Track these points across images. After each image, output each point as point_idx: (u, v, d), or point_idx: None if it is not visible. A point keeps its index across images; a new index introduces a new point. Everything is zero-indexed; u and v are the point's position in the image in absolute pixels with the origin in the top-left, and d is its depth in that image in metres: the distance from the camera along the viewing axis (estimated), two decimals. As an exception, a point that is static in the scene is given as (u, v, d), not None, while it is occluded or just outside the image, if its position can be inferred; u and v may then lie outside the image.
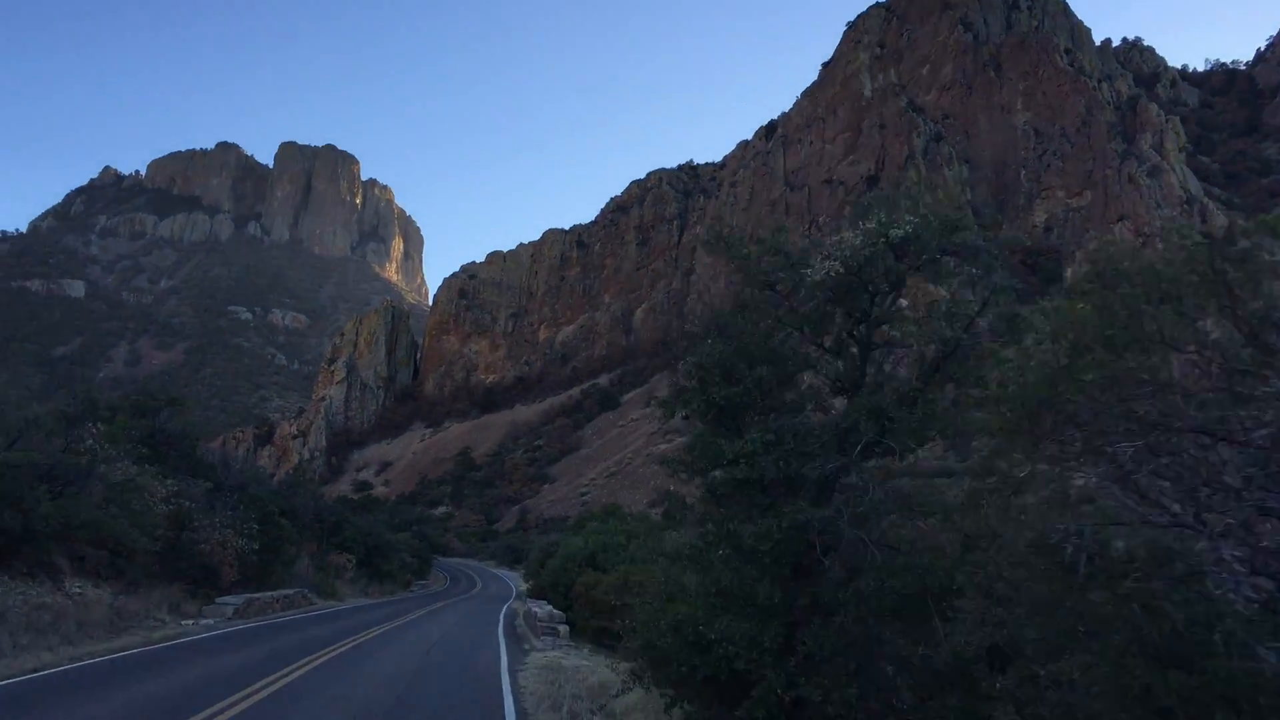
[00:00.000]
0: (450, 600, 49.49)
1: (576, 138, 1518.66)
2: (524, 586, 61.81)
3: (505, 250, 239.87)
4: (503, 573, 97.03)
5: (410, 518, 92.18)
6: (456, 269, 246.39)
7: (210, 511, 29.53)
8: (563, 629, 28.67)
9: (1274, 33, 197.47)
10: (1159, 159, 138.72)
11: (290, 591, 33.40)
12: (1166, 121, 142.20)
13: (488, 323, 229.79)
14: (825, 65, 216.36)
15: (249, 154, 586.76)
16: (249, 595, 28.70)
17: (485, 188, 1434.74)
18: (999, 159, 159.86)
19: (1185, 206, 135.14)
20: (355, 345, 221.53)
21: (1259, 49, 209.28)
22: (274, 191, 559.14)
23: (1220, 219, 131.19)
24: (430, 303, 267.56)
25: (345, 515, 56.60)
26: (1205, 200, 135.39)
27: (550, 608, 31.86)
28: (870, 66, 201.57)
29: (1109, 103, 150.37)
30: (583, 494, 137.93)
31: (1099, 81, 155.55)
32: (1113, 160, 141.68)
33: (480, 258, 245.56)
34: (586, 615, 31.59)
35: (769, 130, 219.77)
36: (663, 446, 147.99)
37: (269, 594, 30.85)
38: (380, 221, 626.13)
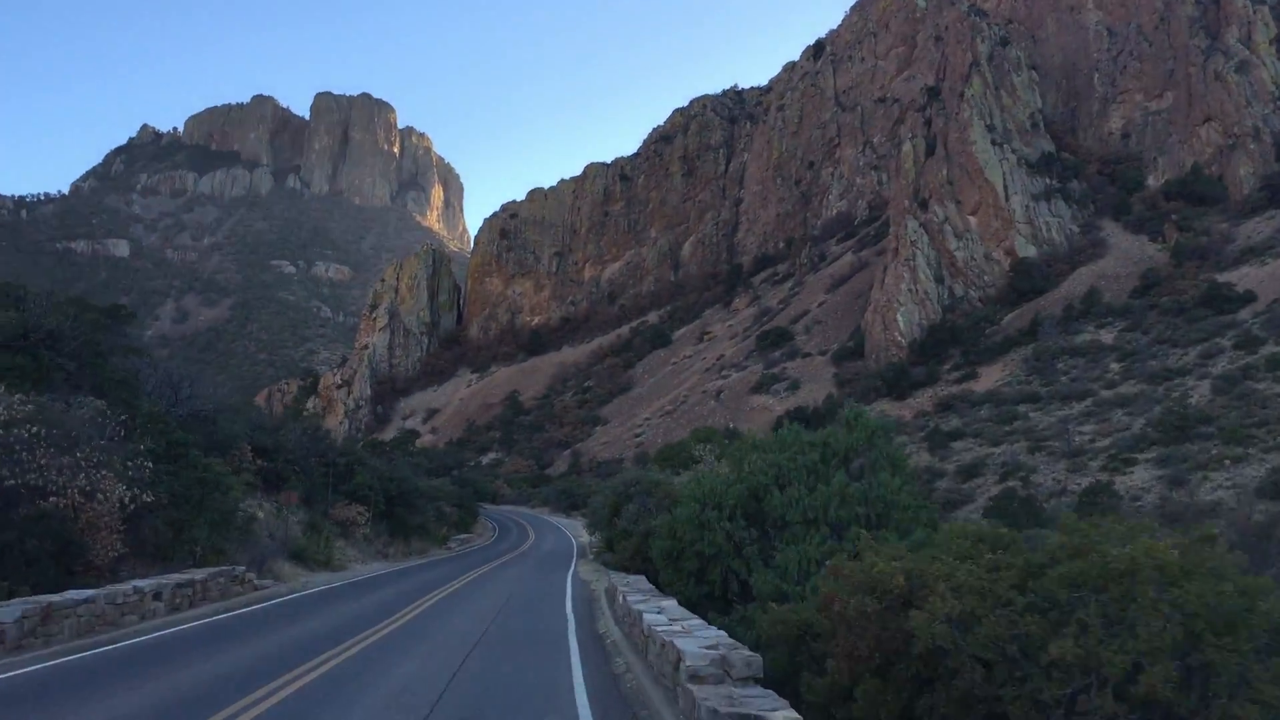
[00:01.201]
0: (493, 564, 40.54)
1: (616, 66, 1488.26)
2: (586, 539, 54.27)
3: (546, 188, 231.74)
4: (558, 520, 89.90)
5: (450, 461, 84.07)
6: (497, 209, 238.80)
7: (71, 447, 18.70)
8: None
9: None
10: (1247, 53, 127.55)
11: (199, 575, 21.03)
12: (1255, 11, 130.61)
13: (531, 263, 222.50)
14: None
15: (285, 106, 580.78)
16: (51, 598, 15.98)
17: (524, 125, 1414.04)
18: (1069, 64, 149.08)
19: (1278, 103, 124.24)
20: (396, 291, 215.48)
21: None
22: (311, 143, 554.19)
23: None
24: (471, 249, 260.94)
25: (359, 457, 47.39)
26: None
27: (686, 614, 15.72)
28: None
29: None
30: (637, 435, 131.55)
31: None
32: (1196, 57, 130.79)
33: (521, 197, 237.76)
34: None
35: (817, 49, 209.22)
36: (718, 382, 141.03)
37: (130, 587, 17.99)
38: (419, 170, 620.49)
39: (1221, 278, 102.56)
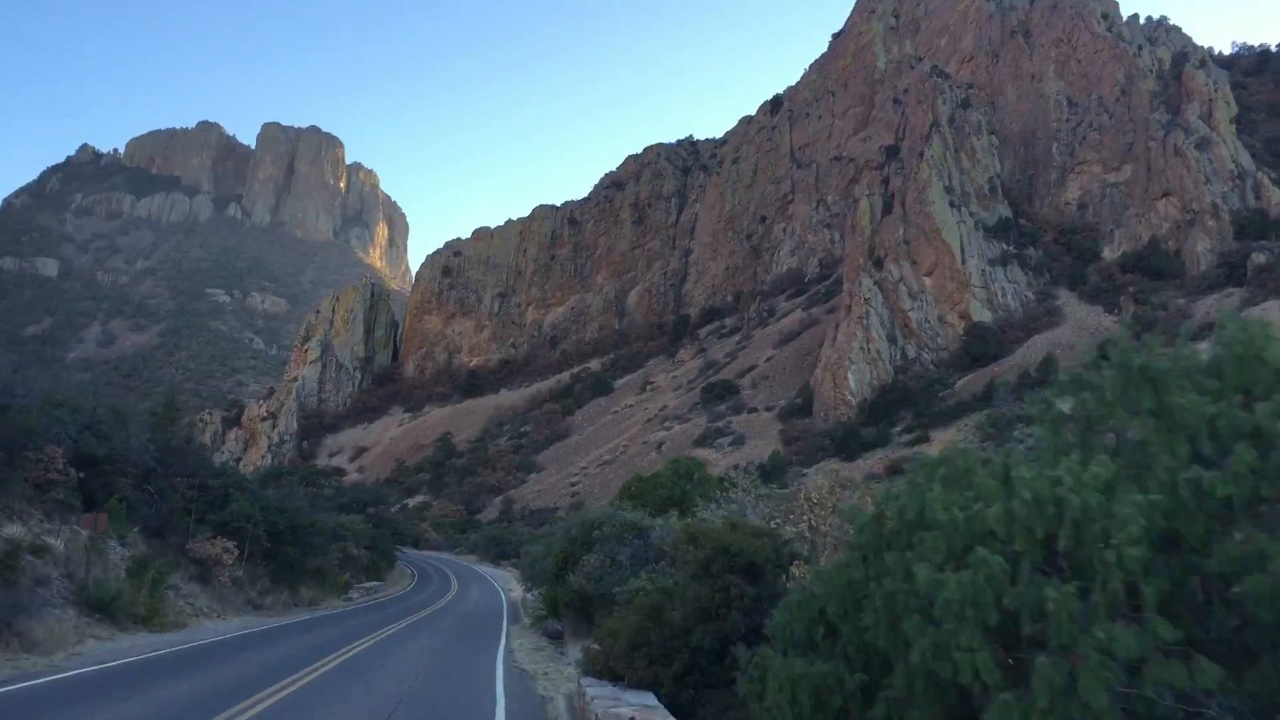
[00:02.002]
0: (398, 625, 32.54)
1: (570, 111, 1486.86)
2: (520, 594, 47.27)
3: (493, 227, 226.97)
4: (486, 570, 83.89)
5: (368, 498, 76.26)
6: (441, 246, 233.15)
7: None
8: None
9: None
10: (1208, 130, 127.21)
11: None
12: (1215, 90, 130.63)
13: (472, 303, 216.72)
14: (835, 36, 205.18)
15: (230, 134, 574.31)
16: None
17: (474, 165, 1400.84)
18: (1028, 132, 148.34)
19: (1237, 181, 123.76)
20: (331, 323, 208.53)
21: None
22: (255, 173, 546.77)
23: (1277, 195, 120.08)
24: (412, 285, 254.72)
25: (238, 480, 39.52)
26: (1259, 175, 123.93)
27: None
28: (884, 37, 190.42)
29: (1150, 71, 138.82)
30: (573, 484, 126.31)
31: (1138, 48, 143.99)
32: (1156, 132, 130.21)
33: (467, 236, 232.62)
34: None
35: (774, 105, 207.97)
36: (660, 433, 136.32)
37: None
38: (364, 206, 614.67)
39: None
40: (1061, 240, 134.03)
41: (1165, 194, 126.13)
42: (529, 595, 41.20)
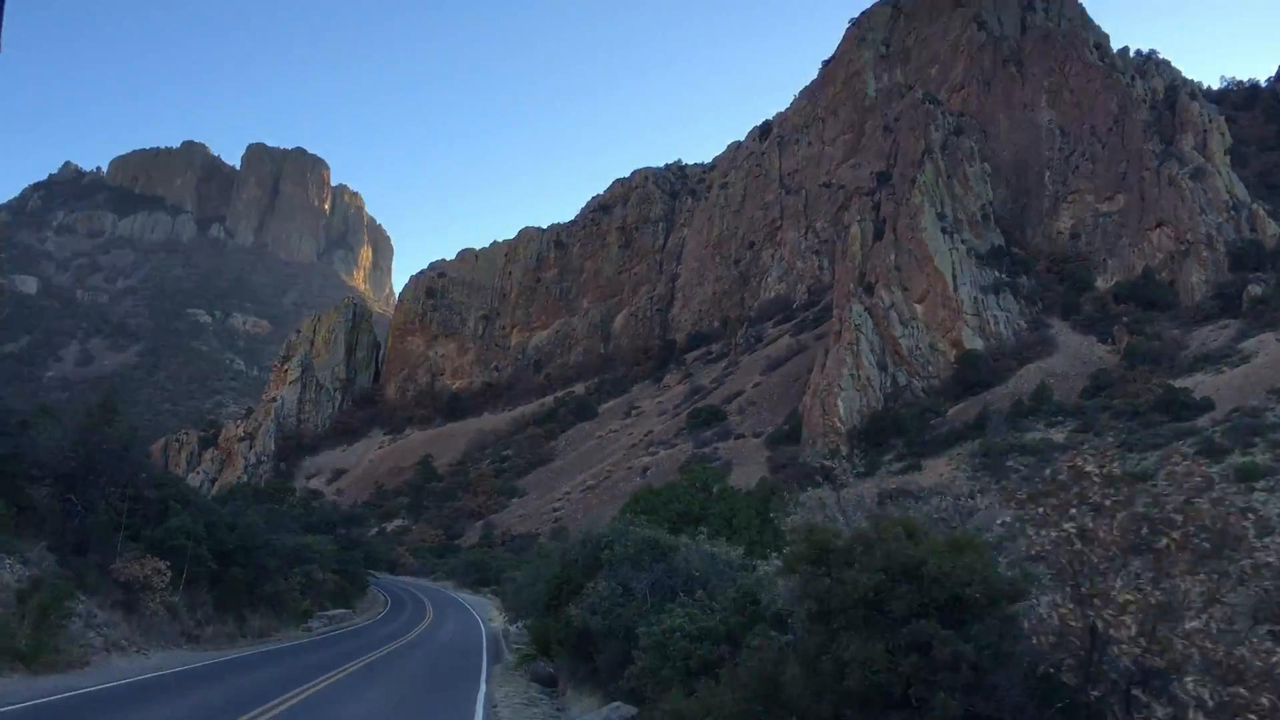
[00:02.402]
0: (357, 664, 28.02)
1: (558, 133, 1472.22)
2: (501, 624, 43.95)
3: (478, 249, 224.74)
4: (465, 597, 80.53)
5: (335, 518, 71.61)
6: (425, 268, 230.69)
7: None
8: None
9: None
10: (1202, 160, 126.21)
11: None
12: (1210, 121, 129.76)
13: (456, 325, 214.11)
14: (826, 64, 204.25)
15: (215, 154, 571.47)
16: None
17: (460, 187, 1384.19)
18: (1019, 160, 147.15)
19: (1232, 213, 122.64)
20: (312, 344, 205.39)
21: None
22: (240, 193, 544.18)
23: (1272, 227, 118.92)
24: (395, 306, 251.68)
25: (180, 491, 34.36)
26: (1254, 206, 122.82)
27: None
28: (874, 65, 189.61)
29: (1143, 101, 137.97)
30: (556, 509, 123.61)
31: (1131, 78, 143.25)
32: (1150, 162, 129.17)
33: (452, 257, 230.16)
34: None
35: (764, 131, 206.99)
36: (645, 458, 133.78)
37: None
38: (349, 229, 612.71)
39: (1176, 384, 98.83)
40: (1054, 269, 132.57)
41: (1159, 224, 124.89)
42: (513, 628, 37.91)
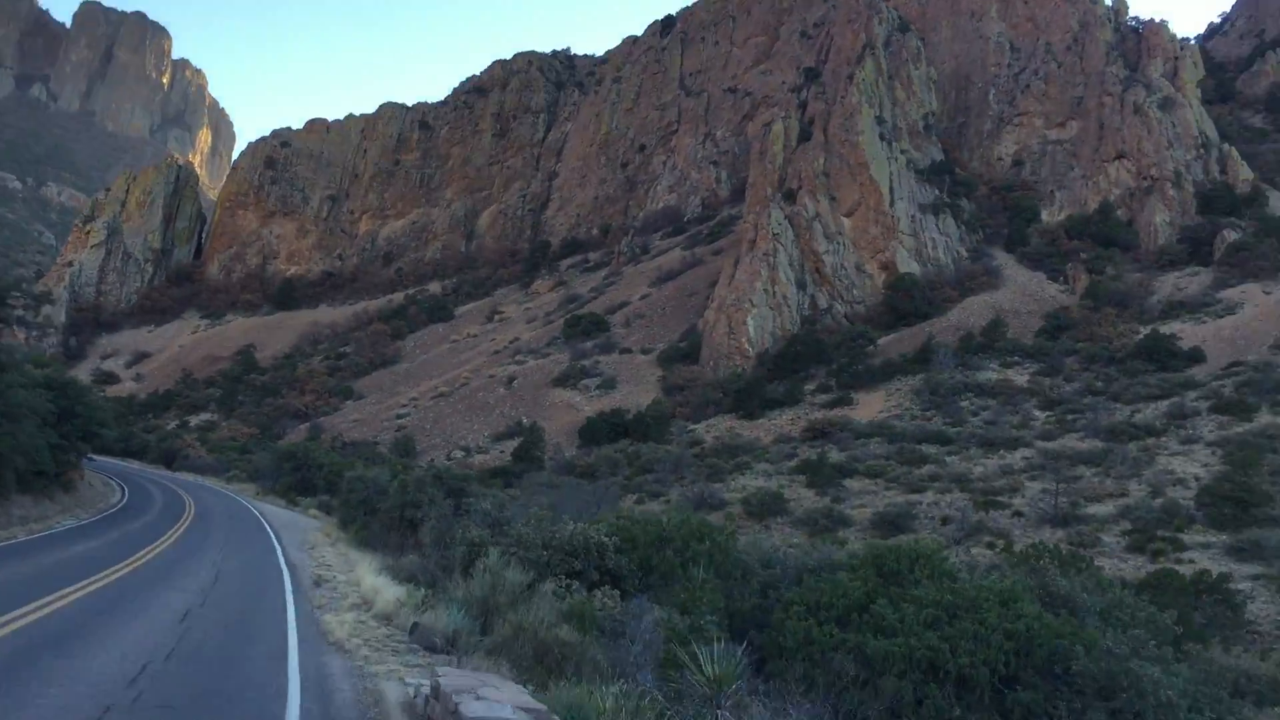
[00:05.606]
0: None
1: (432, 1, 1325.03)
2: (338, 575, 22.48)
3: (330, 120, 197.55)
4: (271, 510, 50.65)
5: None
6: (267, 134, 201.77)
7: None
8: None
9: (1226, 9, 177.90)
10: (1172, 90, 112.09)
11: None
12: (1183, 49, 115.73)
13: (297, 203, 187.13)
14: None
15: (43, 8, 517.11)
16: None
17: (317, 60, 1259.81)
18: (961, 75, 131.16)
19: (1201, 151, 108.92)
20: (124, 205, 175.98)
21: (1211, 23, 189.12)
22: (68, 54, 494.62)
23: (1245, 171, 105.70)
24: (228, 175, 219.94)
25: None
26: (1227, 147, 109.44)
27: None
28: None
29: (1108, 21, 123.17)
30: (400, 415, 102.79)
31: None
32: (1113, 87, 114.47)
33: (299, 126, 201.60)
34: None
35: (666, 25, 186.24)
36: (511, 367, 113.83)
37: None
38: (188, 107, 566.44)
39: (1153, 331, 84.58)
40: (994, 197, 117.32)
41: (1119, 156, 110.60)
42: (374, 580, 17.82)
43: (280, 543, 30.98)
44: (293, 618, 16.71)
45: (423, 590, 14.88)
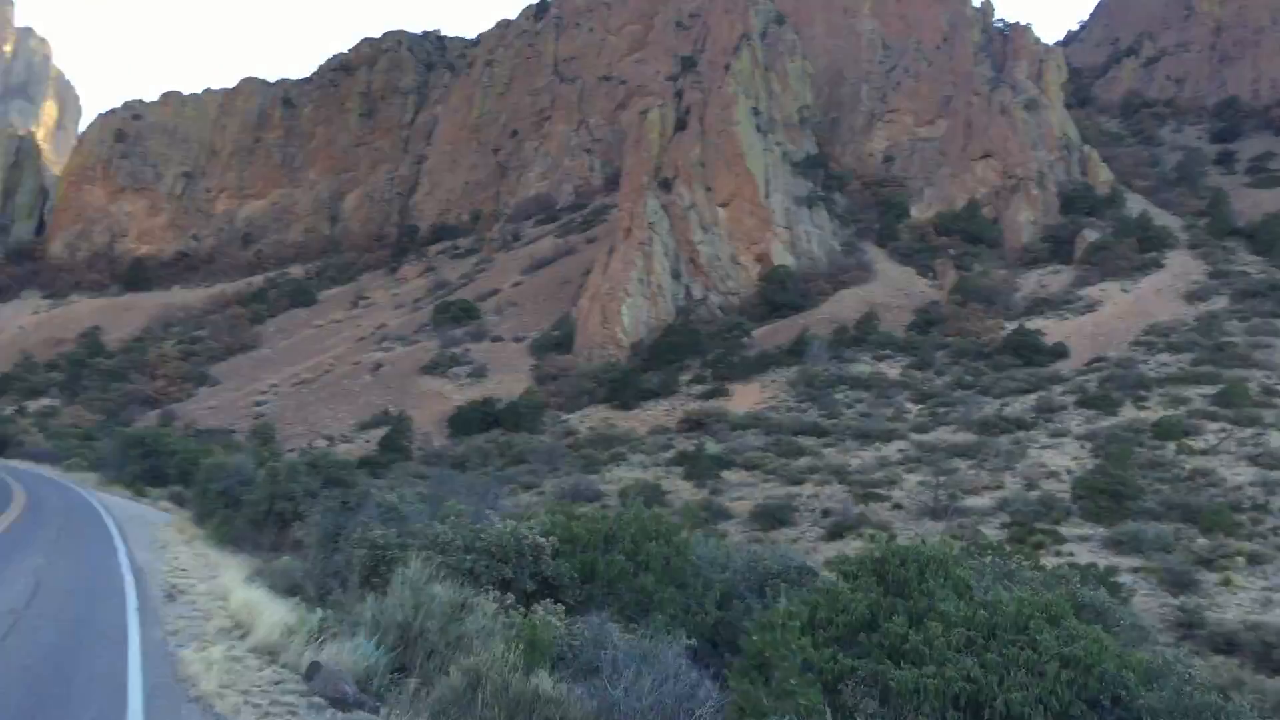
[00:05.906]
0: None
1: None
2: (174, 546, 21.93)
3: (186, 93, 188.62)
4: (114, 503, 44.03)
5: None
6: (118, 106, 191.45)
7: None
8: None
9: (1084, 17, 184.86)
10: (1038, 92, 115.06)
11: None
12: (1048, 52, 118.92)
13: (149, 179, 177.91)
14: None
15: None
16: None
17: (174, 28, 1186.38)
18: (834, 70, 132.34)
19: (1064, 152, 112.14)
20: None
21: (1070, 31, 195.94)
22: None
23: (1104, 173, 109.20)
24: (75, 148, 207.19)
25: None
26: (1087, 149, 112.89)
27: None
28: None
29: (976, 22, 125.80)
30: (258, 403, 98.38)
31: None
32: (980, 87, 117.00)
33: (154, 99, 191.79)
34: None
35: (540, 9, 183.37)
36: (377, 354, 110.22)
37: None
38: (32, 78, 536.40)
39: (1019, 327, 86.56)
40: (866, 191, 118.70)
41: (985, 155, 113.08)
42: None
43: (125, 541, 27.08)
44: (136, 655, 12.42)
45: (318, 612, 12.12)
